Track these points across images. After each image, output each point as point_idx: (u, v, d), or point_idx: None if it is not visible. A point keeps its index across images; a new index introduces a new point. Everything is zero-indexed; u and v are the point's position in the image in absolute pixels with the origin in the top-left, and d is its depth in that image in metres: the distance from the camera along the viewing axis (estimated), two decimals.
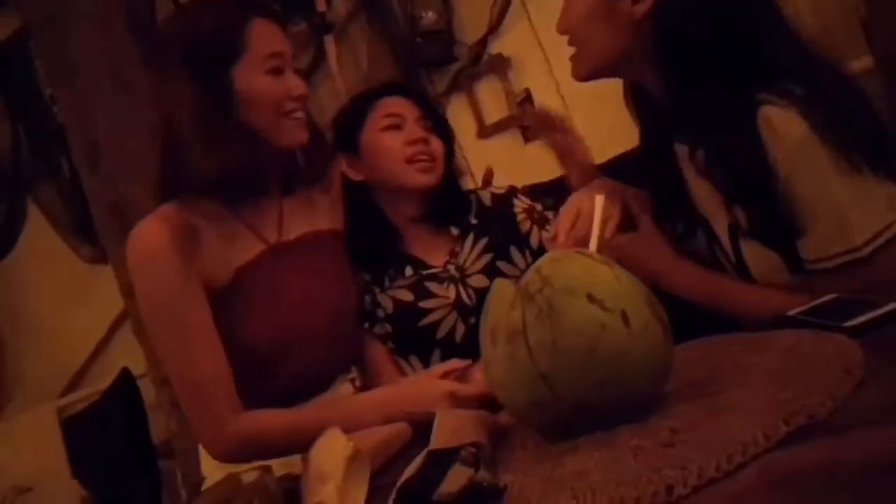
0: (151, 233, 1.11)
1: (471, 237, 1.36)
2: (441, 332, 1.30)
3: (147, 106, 2.24)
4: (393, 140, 1.31)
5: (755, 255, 1.02)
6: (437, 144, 1.34)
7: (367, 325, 1.31)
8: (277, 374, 1.15)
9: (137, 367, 2.49)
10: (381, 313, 1.31)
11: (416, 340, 1.30)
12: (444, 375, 1.11)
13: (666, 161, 1.11)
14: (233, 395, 1.10)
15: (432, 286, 1.32)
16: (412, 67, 2.44)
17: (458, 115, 2.45)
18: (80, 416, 2.58)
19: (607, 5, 1.04)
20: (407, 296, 1.31)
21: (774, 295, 1.01)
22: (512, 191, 1.43)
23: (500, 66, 2.41)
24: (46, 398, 2.81)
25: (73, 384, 3.00)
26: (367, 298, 1.32)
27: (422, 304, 1.30)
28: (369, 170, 1.33)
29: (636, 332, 0.67)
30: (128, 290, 2.26)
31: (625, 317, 0.67)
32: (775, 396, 0.63)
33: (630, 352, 0.67)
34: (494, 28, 2.40)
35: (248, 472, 0.79)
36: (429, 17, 2.39)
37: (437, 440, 0.75)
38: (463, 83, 2.45)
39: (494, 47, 2.43)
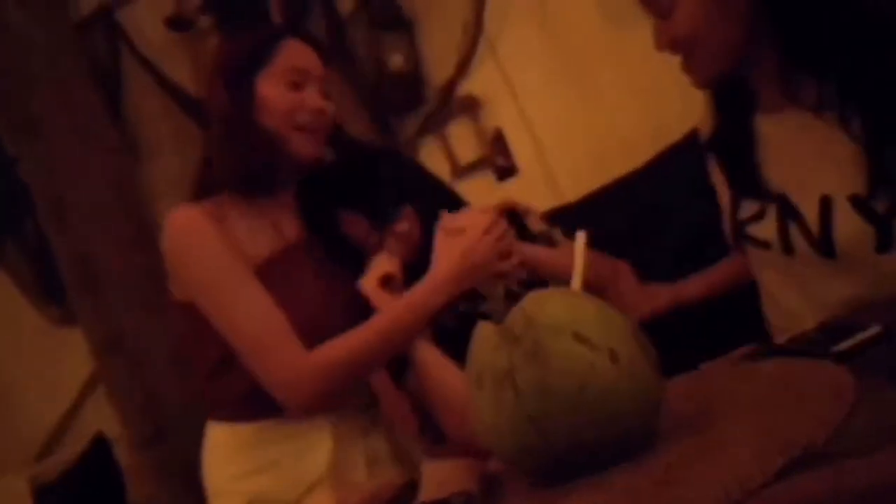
0: (187, 212, 1.20)
1: None
2: None
3: (114, 160, 2.23)
4: None
5: (850, 228, 0.99)
6: None
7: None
8: None
9: (112, 430, 2.42)
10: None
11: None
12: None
13: (743, 138, 1.10)
14: (296, 339, 1.12)
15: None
16: (381, 111, 2.45)
17: (431, 156, 2.46)
18: (55, 483, 2.50)
19: None
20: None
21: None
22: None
23: (470, 106, 2.43)
24: (17, 465, 2.71)
25: (45, 450, 2.91)
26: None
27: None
28: None
29: (625, 368, 0.66)
30: (98, 351, 2.21)
31: (613, 354, 0.66)
32: (768, 427, 0.62)
33: (620, 389, 0.66)
34: (463, 69, 2.43)
35: None
36: (396, 60, 2.40)
37: (427, 491, 0.73)
38: (434, 125, 2.46)
39: (463, 88, 2.45)
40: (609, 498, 0.61)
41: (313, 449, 1.17)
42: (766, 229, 1.08)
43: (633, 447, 0.67)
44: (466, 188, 2.40)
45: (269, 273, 1.19)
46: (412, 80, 2.43)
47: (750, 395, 0.70)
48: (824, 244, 1.01)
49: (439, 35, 2.46)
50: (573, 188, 2.13)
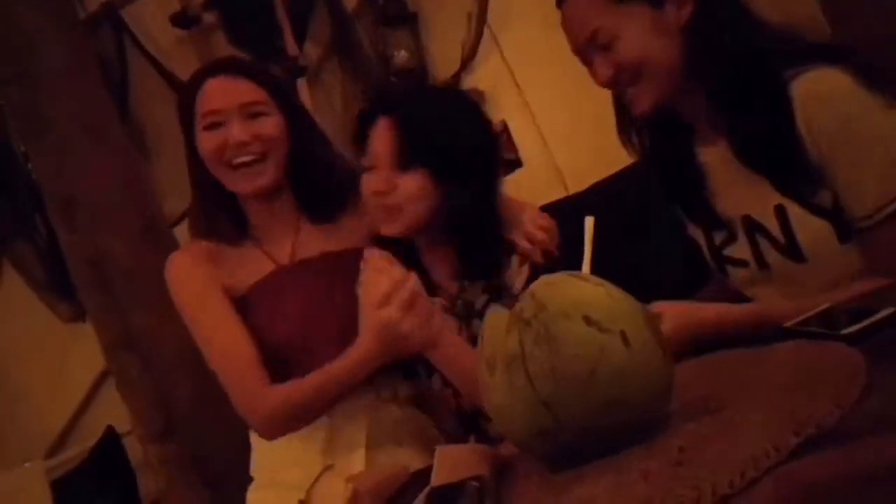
0: (177, 257, 1.34)
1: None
2: None
3: (123, 158, 2.24)
4: None
5: (807, 229, 1.03)
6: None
7: None
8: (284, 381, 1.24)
9: (122, 424, 2.44)
10: None
11: None
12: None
13: (690, 172, 1.13)
14: (261, 373, 1.23)
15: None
16: None
17: None
18: (67, 478, 2.52)
19: (657, 21, 1.04)
20: None
21: None
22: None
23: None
24: (30, 460, 2.74)
25: (57, 445, 2.93)
26: None
27: None
28: None
29: (636, 351, 0.66)
30: (109, 347, 2.22)
31: (624, 337, 0.66)
32: (781, 408, 0.62)
33: (631, 372, 0.66)
34: (467, 63, 2.43)
35: None
36: (401, 55, 2.41)
37: (439, 476, 0.73)
38: None
39: (468, 82, 2.45)
40: (623, 480, 0.61)
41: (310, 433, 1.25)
42: (741, 249, 1.11)
43: (646, 429, 0.67)
44: None
45: (256, 293, 1.30)
46: (417, 75, 2.44)
47: (762, 376, 0.70)
48: (792, 249, 1.05)
49: (444, 30, 2.46)
50: (577, 180, 2.14)
